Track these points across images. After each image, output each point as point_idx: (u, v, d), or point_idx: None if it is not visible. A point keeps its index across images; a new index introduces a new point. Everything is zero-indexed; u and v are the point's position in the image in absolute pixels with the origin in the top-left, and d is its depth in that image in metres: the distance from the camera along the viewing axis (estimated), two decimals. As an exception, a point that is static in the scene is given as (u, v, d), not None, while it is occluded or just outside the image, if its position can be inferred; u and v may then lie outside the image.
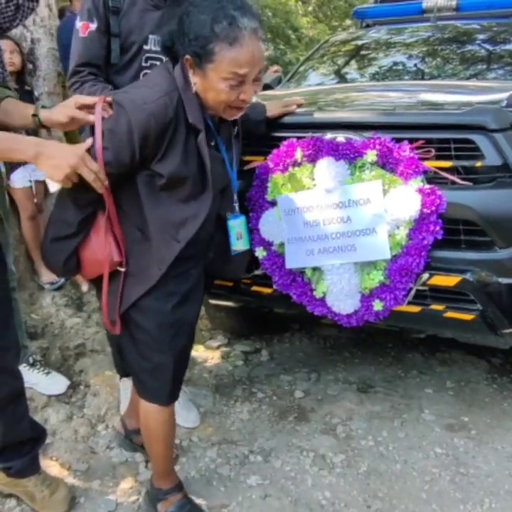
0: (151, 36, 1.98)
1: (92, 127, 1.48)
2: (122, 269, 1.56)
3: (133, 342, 1.65)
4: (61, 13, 3.69)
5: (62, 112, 1.51)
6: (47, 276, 3.07)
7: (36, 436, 1.85)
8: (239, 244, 1.62)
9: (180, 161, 1.46)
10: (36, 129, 1.57)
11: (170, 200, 1.50)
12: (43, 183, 3.22)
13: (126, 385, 2.23)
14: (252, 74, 1.39)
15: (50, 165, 1.35)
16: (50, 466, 2.07)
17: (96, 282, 1.64)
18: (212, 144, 1.55)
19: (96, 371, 2.56)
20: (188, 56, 1.41)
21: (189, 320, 1.69)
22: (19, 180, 3.09)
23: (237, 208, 1.62)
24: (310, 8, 12.89)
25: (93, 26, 1.96)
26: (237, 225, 1.60)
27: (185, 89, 1.46)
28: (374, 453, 2.14)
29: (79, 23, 1.99)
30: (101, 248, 1.53)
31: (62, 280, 3.10)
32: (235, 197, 1.60)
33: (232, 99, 1.42)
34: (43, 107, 1.55)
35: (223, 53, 1.35)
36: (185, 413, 2.27)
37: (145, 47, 1.98)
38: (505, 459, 2.07)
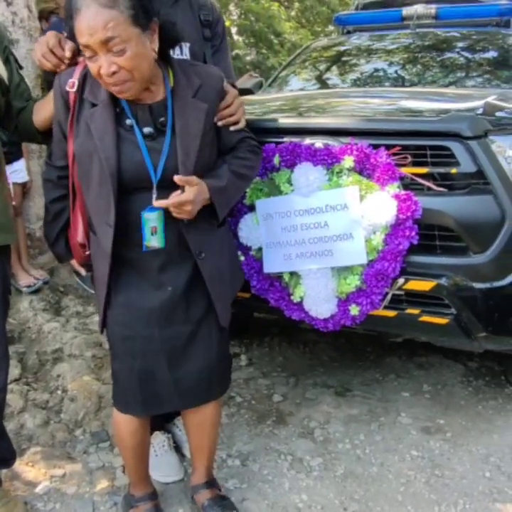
0: None
1: None
2: (88, 253, 1.62)
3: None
4: (41, 15, 3.67)
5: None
6: (24, 279, 3.04)
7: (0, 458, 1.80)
8: (153, 240, 1.48)
9: (84, 135, 1.46)
10: None
11: (93, 182, 1.49)
12: (22, 186, 3.19)
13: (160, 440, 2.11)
14: (96, 43, 1.30)
15: None
16: (26, 471, 2.05)
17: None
18: (127, 123, 1.46)
19: (74, 376, 2.54)
20: None
21: (148, 346, 1.58)
22: (-3, 182, 3.05)
23: (153, 199, 1.45)
24: (293, 14, 12.95)
25: None
26: (151, 219, 1.46)
27: None
28: (351, 456, 2.16)
29: None
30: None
31: (40, 283, 3.07)
32: (154, 188, 1.46)
33: (95, 72, 1.37)
34: None
35: (73, 26, 1.34)
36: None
37: None
38: (480, 461, 2.11)
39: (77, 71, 1.50)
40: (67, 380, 2.52)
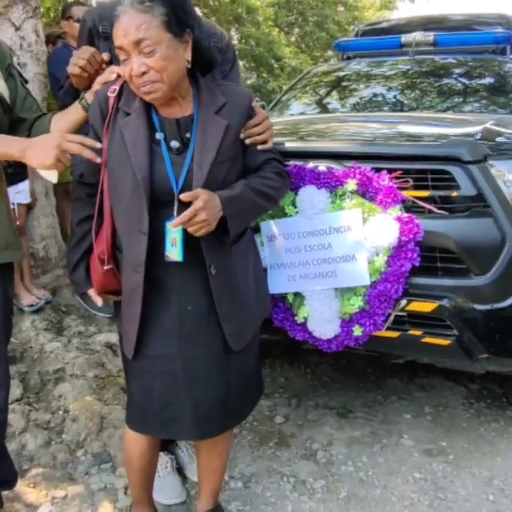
0: None
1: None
2: (106, 267, 1.57)
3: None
4: (48, 39, 3.75)
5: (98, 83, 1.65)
6: (26, 298, 3.06)
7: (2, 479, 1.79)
8: (172, 251, 1.48)
9: (118, 143, 1.50)
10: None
11: (124, 191, 1.49)
12: (26, 206, 3.22)
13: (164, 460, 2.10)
14: (128, 44, 1.38)
15: (38, 155, 1.44)
16: (27, 493, 2.03)
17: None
18: (157, 137, 1.51)
19: (75, 396, 2.53)
20: None
21: (168, 366, 1.55)
22: (2, 202, 3.08)
23: (175, 212, 1.46)
24: (293, 39, 13.19)
25: None
26: (173, 229, 1.46)
27: None
28: (354, 478, 2.15)
29: None
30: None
31: (42, 302, 3.09)
32: (175, 200, 1.47)
33: (127, 74, 1.43)
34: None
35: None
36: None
37: None
38: (483, 484, 2.10)
39: (119, 82, 1.56)
40: (69, 401, 2.52)
